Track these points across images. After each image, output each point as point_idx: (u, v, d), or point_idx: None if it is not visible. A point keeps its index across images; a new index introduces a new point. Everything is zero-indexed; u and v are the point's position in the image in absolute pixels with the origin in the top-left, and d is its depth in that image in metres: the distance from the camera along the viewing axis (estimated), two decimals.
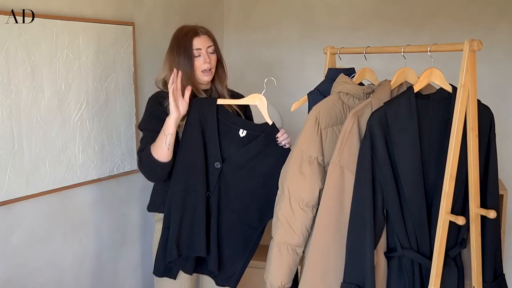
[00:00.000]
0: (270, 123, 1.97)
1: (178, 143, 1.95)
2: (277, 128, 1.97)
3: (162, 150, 1.87)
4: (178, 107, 1.87)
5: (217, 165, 1.91)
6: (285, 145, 1.96)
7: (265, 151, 1.94)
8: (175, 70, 1.88)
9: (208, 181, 1.92)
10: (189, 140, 1.90)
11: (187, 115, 1.92)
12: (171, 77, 1.88)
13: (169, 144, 1.86)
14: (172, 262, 1.91)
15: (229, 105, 2.05)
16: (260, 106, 1.99)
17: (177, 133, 1.94)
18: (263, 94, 2.00)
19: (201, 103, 1.93)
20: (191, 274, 2.00)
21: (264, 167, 1.94)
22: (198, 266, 1.99)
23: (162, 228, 1.94)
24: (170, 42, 2.05)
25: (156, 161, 1.89)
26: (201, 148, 1.90)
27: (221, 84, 2.08)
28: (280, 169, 1.83)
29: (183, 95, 1.90)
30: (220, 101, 1.95)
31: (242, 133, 1.94)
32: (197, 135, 1.90)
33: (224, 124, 1.93)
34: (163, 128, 1.89)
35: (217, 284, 2.03)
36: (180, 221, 1.88)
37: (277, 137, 1.95)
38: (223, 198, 1.94)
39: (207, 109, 1.92)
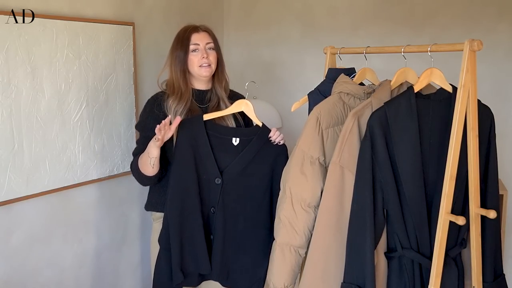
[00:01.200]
0: (260, 124, 1.96)
1: (168, 145, 1.95)
2: (268, 128, 1.96)
3: (148, 167, 1.93)
4: (163, 139, 1.85)
5: (218, 180, 1.91)
6: (279, 143, 1.96)
7: (262, 153, 1.94)
8: (166, 120, 1.83)
9: (210, 198, 1.92)
10: (180, 163, 1.89)
11: (176, 138, 1.91)
12: (164, 121, 1.82)
13: (153, 165, 1.91)
14: (179, 284, 1.92)
15: (229, 114, 2.05)
16: (246, 111, 1.99)
17: (170, 143, 1.95)
18: (246, 98, 2.01)
19: (189, 123, 1.92)
20: (196, 286, 2.01)
21: (264, 168, 1.94)
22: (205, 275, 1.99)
23: (160, 249, 1.94)
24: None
25: (143, 174, 1.96)
26: (192, 169, 1.89)
27: (220, 84, 2.08)
28: (280, 166, 1.84)
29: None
30: (206, 116, 1.94)
31: (236, 141, 1.94)
32: (188, 157, 1.89)
33: (216, 137, 1.92)
34: (147, 150, 1.90)
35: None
36: (180, 245, 1.89)
37: (270, 137, 1.95)
38: (231, 210, 1.93)
39: (196, 127, 1.91)
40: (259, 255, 1.97)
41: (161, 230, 1.94)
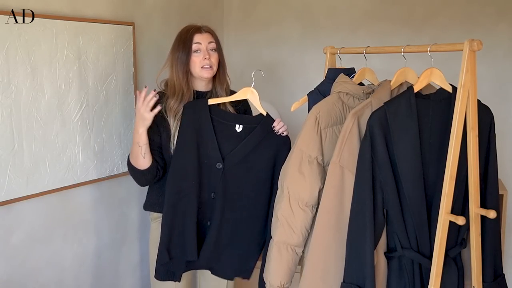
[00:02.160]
0: (265, 113, 1.97)
1: (166, 146, 1.97)
2: (272, 118, 1.97)
3: (139, 159, 1.92)
4: (145, 118, 1.87)
5: (219, 165, 1.91)
6: (283, 133, 1.96)
7: (264, 142, 1.94)
8: (144, 90, 1.90)
9: (211, 183, 1.92)
10: (182, 145, 1.90)
11: (181, 120, 1.92)
12: (142, 94, 1.89)
13: (144, 154, 1.90)
14: (164, 264, 1.92)
15: (227, 107, 2.05)
16: (252, 99, 1.99)
17: (166, 142, 1.96)
18: (252, 87, 2.00)
19: (193, 106, 1.92)
20: (184, 271, 2.01)
21: (265, 158, 1.94)
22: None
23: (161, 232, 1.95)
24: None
25: (136, 169, 1.96)
26: (194, 152, 1.90)
27: (221, 86, 2.07)
28: (282, 157, 1.84)
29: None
30: (211, 101, 1.94)
31: (239, 128, 1.94)
32: (190, 140, 1.89)
33: (219, 123, 1.92)
34: (135, 140, 1.90)
35: (231, 276, 2.02)
36: (170, 225, 1.89)
37: (274, 126, 1.95)
38: (230, 197, 1.93)
39: (200, 111, 1.91)
40: (252, 246, 1.98)
41: (162, 213, 1.94)
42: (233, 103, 2.04)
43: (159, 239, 1.95)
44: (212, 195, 1.93)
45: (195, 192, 1.90)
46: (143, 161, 1.91)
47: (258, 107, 1.98)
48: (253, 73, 2.01)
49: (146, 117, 1.87)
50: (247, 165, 1.93)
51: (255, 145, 1.93)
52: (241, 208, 1.95)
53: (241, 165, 1.93)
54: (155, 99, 1.89)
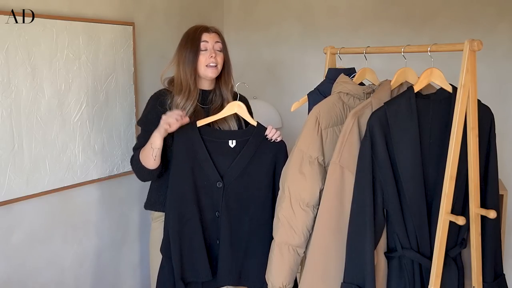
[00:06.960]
0: (255, 124, 1.97)
1: (170, 144, 1.96)
2: (263, 126, 1.97)
3: (149, 160, 1.91)
4: (170, 129, 1.85)
5: (219, 184, 1.91)
6: (276, 140, 1.96)
7: (260, 152, 1.94)
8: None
9: (213, 203, 1.92)
10: (177, 172, 1.90)
11: (173, 146, 1.92)
12: (180, 113, 1.85)
13: (155, 157, 1.89)
14: None
15: (233, 120, 2.05)
16: (240, 112, 2.00)
17: (170, 141, 1.95)
18: (238, 98, 2.01)
19: (183, 132, 1.92)
20: None
21: (264, 167, 1.94)
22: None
23: (162, 257, 1.94)
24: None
25: (144, 167, 1.95)
26: (190, 177, 1.89)
27: (226, 87, 2.08)
28: (280, 162, 1.85)
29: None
30: (200, 123, 1.94)
31: (232, 143, 1.94)
32: (185, 165, 1.89)
33: (212, 142, 1.92)
34: (150, 141, 1.89)
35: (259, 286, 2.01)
36: (179, 252, 1.89)
37: (266, 135, 1.96)
38: (235, 212, 1.93)
39: (190, 135, 1.91)
40: (266, 254, 1.96)
41: (162, 239, 1.94)
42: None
43: (160, 239, 1.95)
44: (216, 214, 1.92)
45: (197, 214, 1.90)
46: (153, 162, 1.92)
47: (247, 118, 1.99)
48: (236, 85, 2.03)
49: (172, 126, 1.83)
50: (247, 178, 1.93)
51: (251, 157, 1.93)
52: (249, 220, 1.94)
53: (241, 179, 1.93)
54: (178, 124, 1.86)
